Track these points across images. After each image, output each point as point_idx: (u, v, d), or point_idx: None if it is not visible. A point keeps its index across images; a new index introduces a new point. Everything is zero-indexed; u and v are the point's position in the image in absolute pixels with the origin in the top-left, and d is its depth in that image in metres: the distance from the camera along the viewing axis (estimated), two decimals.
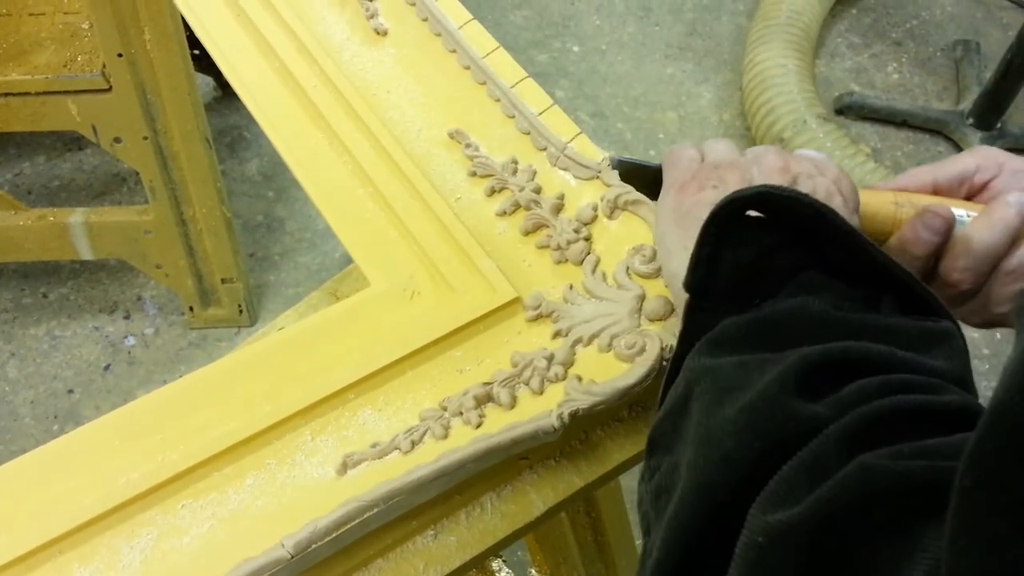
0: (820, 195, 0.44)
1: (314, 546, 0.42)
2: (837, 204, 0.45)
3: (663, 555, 0.33)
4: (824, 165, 0.47)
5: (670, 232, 0.46)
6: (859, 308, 0.38)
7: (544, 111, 0.63)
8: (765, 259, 0.39)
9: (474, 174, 0.61)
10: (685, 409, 0.37)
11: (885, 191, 0.50)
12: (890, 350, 0.35)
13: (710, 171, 0.47)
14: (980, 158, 0.50)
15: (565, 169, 0.61)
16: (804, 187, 0.45)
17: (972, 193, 0.50)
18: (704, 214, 0.42)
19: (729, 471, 0.32)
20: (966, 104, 1.81)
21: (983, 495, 0.22)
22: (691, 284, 0.40)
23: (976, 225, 0.46)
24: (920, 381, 0.34)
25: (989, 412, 0.23)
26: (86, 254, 1.40)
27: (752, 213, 0.40)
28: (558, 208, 0.58)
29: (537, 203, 0.58)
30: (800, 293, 0.39)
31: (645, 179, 0.57)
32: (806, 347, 0.35)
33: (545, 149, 0.62)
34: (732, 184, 0.46)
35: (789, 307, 0.38)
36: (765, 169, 0.46)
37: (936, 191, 0.50)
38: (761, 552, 0.29)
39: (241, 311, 1.51)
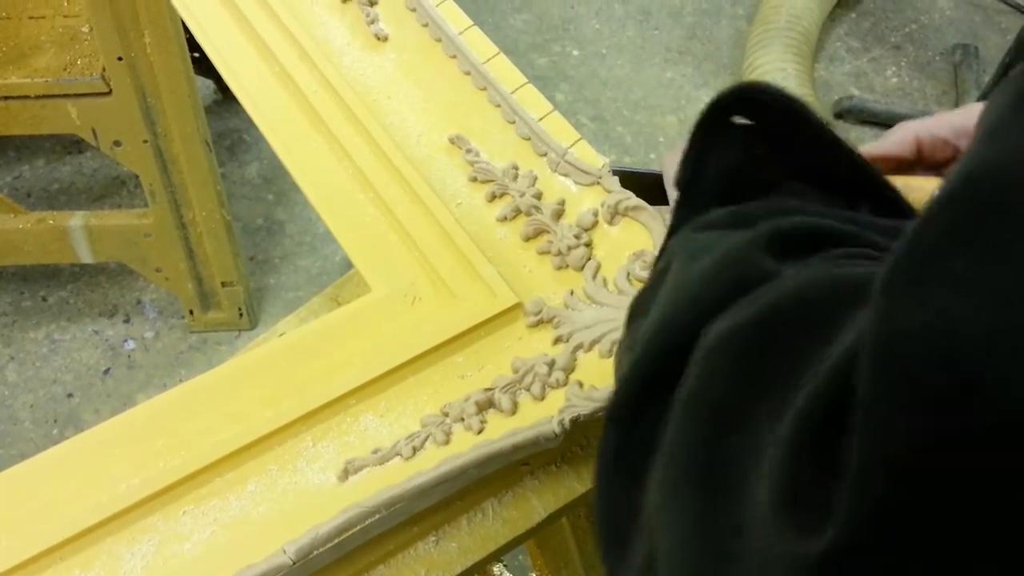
0: None
1: (316, 552, 0.42)
2: None
3: (623, 390, 0.34)
4: None
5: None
6: (835, 213, 0.38)
7: (544, 117, 0.63)
8: (749, 166, 0.40)
9: (475, 179, 0.61)
10: (663, 278, 0.38)
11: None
12: (859, 229, 0.35)
13: None
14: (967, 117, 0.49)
15: (566, 175, 0.61)
16: None
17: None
18: None
19: (694, 310, 0.32)
20: None
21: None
22: (679, 181, 0.41)
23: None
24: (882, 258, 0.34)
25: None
26: (86, 257, 1.40)
27: (740, 121, 0.41)
28: (559, 214, 0.58)
29: (538, 209, 0.58)
30: (787, 197, 0.39)
31: (642, 187, 0.58)
32: (780, 218, 0.35)
33: (546, 155, 0.62)
34: None
35: (771, 201, 0.39)
36: None
37: (920, 148, 0.50)
38: (703, 356, 0.30)
39: (241, 314, 1.51)
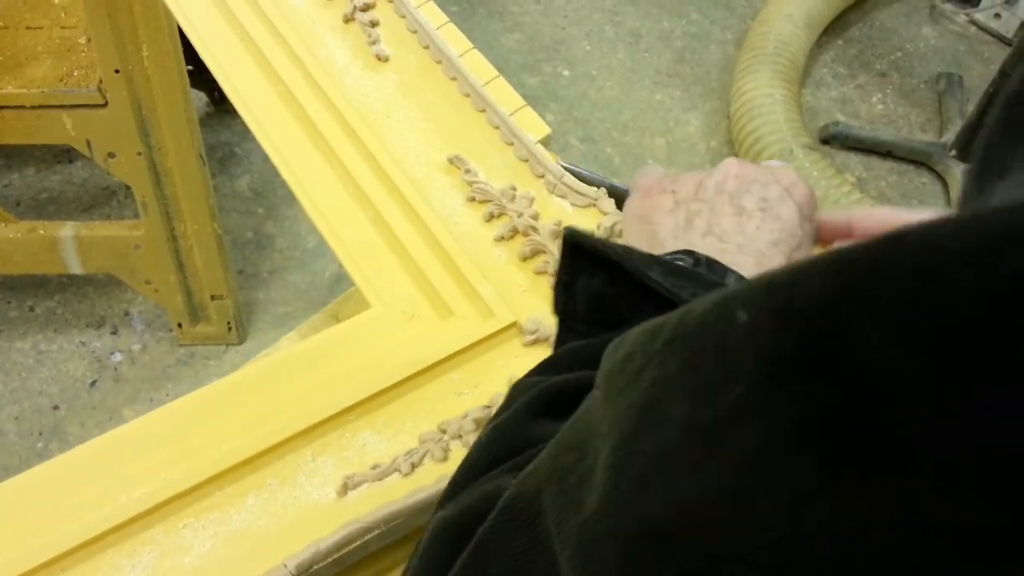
0: (771, 200, 0.47)
1: (316, 567, 0.43)
2: (786, 210, 0.47)
3: (415, 546, 0.36)
4: (781, 172, 0.50)
5: (630, 234, 0.50)
6: None
7: (542, 139, 0.64)
8: (612, 289, 0.41)
9: (473, 199, 0.62)
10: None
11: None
12: None
13: (670, 180, 0.51)
14: None
15: (563, 196, 0.62)
16: (755, 193, 0.48)
17: None
18: (658, 219, 0.47)
19: (467, 475, 0.36)
20: (949, 136, 1.85)
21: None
22: (555, 308, 0.43)
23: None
24: None
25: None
26: (75, 268, 1.39)
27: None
28: (555, 235, 0.59)
29: (535, 229, 0.60)
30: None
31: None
32: (572, 374, 0.37)
33: (543, 176, 0.63)
34: (685, 190, 0.49)
35: (609, 338, 0.40)
36: (719, 177, 0.49)
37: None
38: (423, 542, 0.33)
39: (230, 328, 1.51)
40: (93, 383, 1.49)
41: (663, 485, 0.21)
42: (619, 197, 0.62)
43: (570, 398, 0.35)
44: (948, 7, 2.17)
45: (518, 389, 0.39)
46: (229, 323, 1.50)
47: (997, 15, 2.10)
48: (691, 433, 0.21)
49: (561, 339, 0.42)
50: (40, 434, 1.43)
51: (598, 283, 0.41)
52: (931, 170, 1.86)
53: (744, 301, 0.21)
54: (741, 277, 0.43)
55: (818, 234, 0.49)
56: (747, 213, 0.47)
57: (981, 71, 2.03)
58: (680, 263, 0.43)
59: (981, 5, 2.11)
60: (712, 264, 0.43)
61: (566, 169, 0.63)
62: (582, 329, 0.41)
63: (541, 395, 0.37)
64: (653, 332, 0.25)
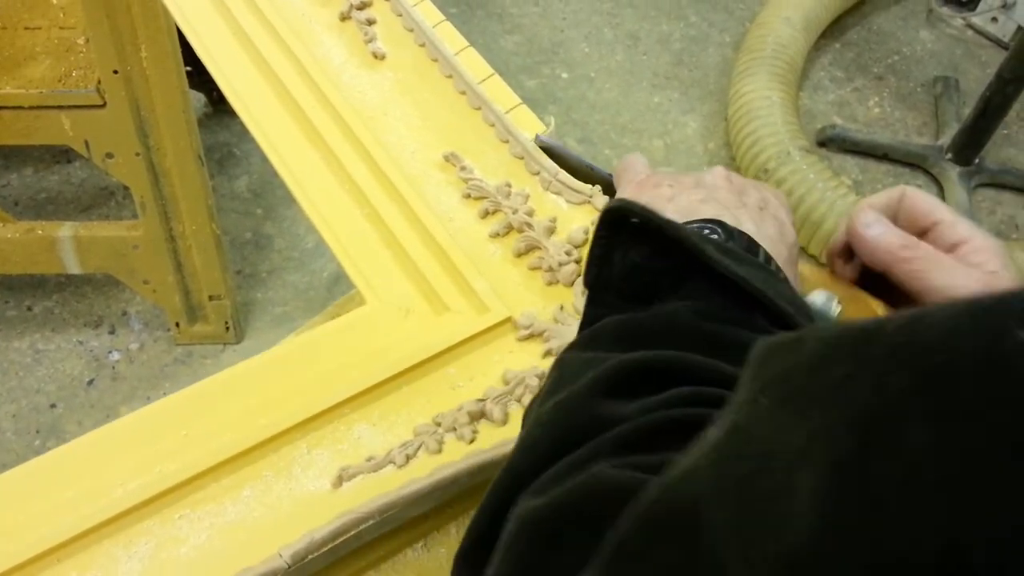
0: (769, 202, 0.48)
1: (311, 557, 0.43)
2: (782, 213, 0.48)
3: (470, 529, 0.35)
4: (763, 186, 0.50)
5: None
6: (725, 320, 0.39)
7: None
8: (653, 263, 0.41)
9: (468, 196, 0.63)
10: (539, 395, 0.39)
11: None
12: (716, 363, 0.36)
13: (665, 174, 0.51)
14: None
15: (557, 193, 0.62)
16: (752, 195, 0.48)
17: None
18: (663, 206, 0.46)
19: (532, 455, 0.34)
20: (945, 139, 1.85)
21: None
22: (587, 280, 0.42)
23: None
24: (729, 398, 0.35)
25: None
26: (74, 268, 1.40)
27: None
28: (550, 231, 0.60)
29: (530, 226, 0.60)
30: (686, 298, 0.40)
31: (568, 168, 0.63)
32: (638, 352, 0.36)
33: (538, 174, 0.63)
34: (686, 185, 0.49)
35: (659, 312, 0.39)
36: (713, 178, 0.49)
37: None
38: (510, 535, 0.31)
39: (228, 328, 1.51)
40: (91, 382, 1.50)
41: (907, 515, 0.19)
42: (596, 180, 0.62)
43: (641, 377, 0.35)
44: (945, 11, 2.17)
45: (567, 365, 0.38)
46: (227, 323, 1.51)
47: (994, 19, 2.10)
48: (944, 463, 0.19)
49: (591, 312, 0.42)
50: (37, 432, 1.44)
51: (637, 256, 0.40)
52: (927, 173, 1.86)
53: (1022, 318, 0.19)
54: (769, 256, 0.43)
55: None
56: (749, 207, 0.47)
57: (978, 75, 2.04)
58: (712, 235, 0.43)
59: (978, 9, 2.12)
60: (741, 236, 0.43)
61: (543, 145, 0.63)
62: (612, 301, 0.41)
63: (608, 374, 0.35)
64: (862, 336, 0.23)
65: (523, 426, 0.39)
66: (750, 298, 0.39)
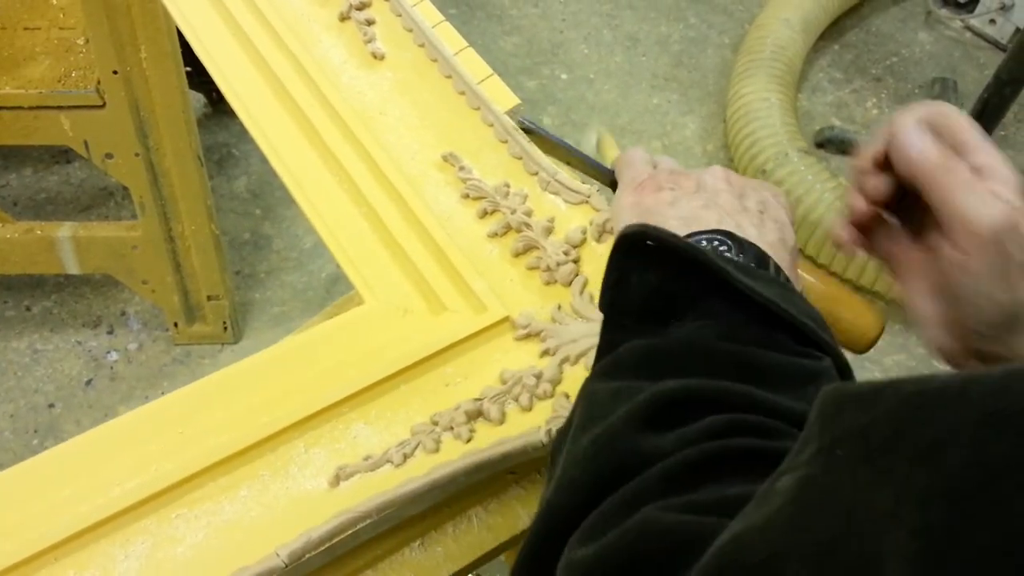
0: (768, 203, 0.48)
1: (308, 556, 0.43)
2: (782, 215, 0.47)
3: (520, 556, 0.34)
4: (762, 185, 0.50)
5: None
6: (748, 340, 0.38)
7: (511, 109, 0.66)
8: (670, 284, 0.40)
9: (467, 196, 0.63)
10: (569, 428, 0.39)
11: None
12: (748, 389, 0.35)
13: (666, 176, 0.50)
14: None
15: (556, 193, 0.62)
16: (752, 197, 0.48)
17: None
18: (664, 212, 0.46)
19: (572, 495, 0.34)
20: None
21: None
22: (602, 305, 0.42)
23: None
24: (768, 424, 0.34)
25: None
26: (73, 268, 1.40)
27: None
28: (548, 231, 0.60)
29: (528, 225, 0.60)
30: (703, 319, 0.39)
31: (550, 151, 0.64)
32: (669, 381, 0.36)
33: (536, 174, 0.63)
34: (687, 188, 0.48)
35: (680, 336, 0.39)
36: (712, 179, 0.49)
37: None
38: None
39: (226, 328, 1.51)
40: (89, 382, 1.49)
41: None
42: (576, 161, 0.63)
43: (676, 408, 0.35)
44: (944, 13, 2.18)
45: (595, 397, 0.38)
46: (225, 323, 1.51)
47: (992, 21, 2.11)
48: None
49: (609, 337, 0.42)
50: (35, 432, 1.43)
51: (654, 278, 0.40)
52: None
53: None
54: (778, 267, 0.43)
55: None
56: (750, 212, 0.47)
57: (976, 76, 2.04)
58: (723, 248, 0.43)
59: (976, 11, 2.12)
60: (751, 248, 0.43)
61: (525, 127, 0.64)
62: (630, 325, 0.41)
63: (642, 406, 0.35)
64: (945, 398, 0.22)
65: (554, 463, 0.39)
66: (769, 314, 0.39)
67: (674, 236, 0.40)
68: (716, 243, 0.43)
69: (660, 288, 0.40)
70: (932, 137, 0.43)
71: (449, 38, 0.70)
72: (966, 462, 0.20)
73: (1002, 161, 0.43)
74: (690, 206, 0.47)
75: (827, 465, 0.24)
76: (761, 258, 0.43)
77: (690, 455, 0.32)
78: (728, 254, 0.43)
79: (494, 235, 0.61)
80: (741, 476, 0.32)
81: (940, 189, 0.41)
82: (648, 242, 0.40)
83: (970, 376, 0.22)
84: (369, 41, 0.71)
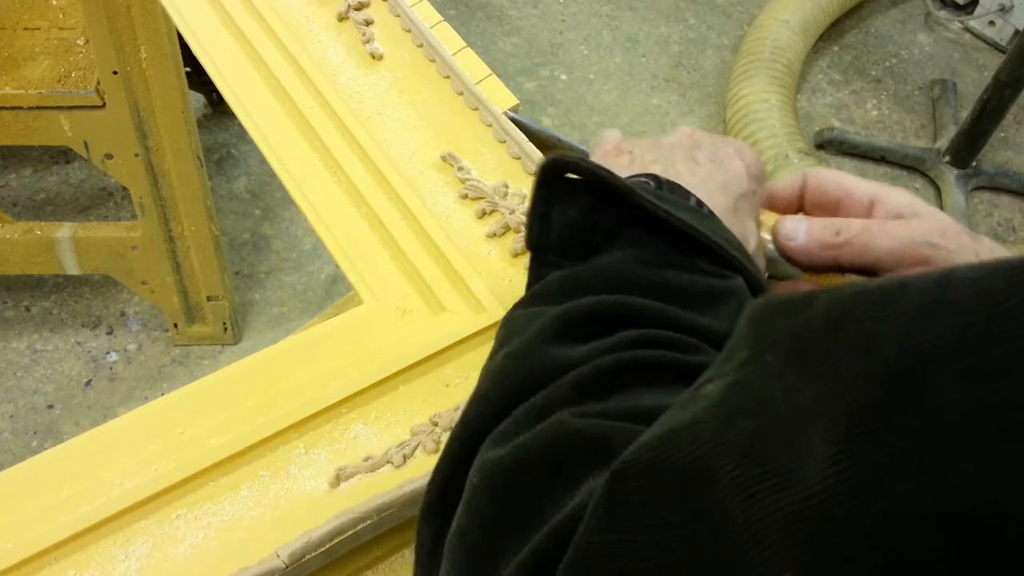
0: (722, 156, 0.48)
1: (308, 556, 0.43)
2: (735, 166, 0.47)
3: (431, 485, 0.35)
4: (732, 140, 0.50)
5: None
6: (665, 264, 0.39)
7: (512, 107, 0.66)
8: (591, 216, 0.41)
9: (465, 196, 0.63)
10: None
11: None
12: (660, 306, 0.36)
13: (629, 143, 0.51)
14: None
15: None
16: (706, 150, 0.48)
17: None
18: (621, 173, 0.45)
19: (486, 406, 0.34)
20: (942, 142, 1.86)
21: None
22: (528, 241, 0.42)
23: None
24: (677, 339, 0.35)
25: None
26: (72, 269, 1.40)
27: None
28: None
29: None
30: (626, 248, 0.40)
31: (538, 143, 0.65)
32: (579, 299, 0.37)
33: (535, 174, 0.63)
34: (640, 153, 0.49)
35: (601, 264, 0.40)
36: (674, 138, 0.49)
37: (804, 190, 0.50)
38: (474, 486, 0.31)
39: (226, 329, 1.51)
40: (88, 383, 1.50)
41: (930, 467, 0.19)
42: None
43: (589, 322, 0.35)
44: (943, 14, 2.18)
45: (514, 322, 0.39)
46: (225, 323, 1.51)
47: (991, 23, 2.11)
48: (979, 419, 0.19)
49: (536, 272, 0.42)
50: (35, 433, 1.44)
51: (575, 211, 0.41)
52: (924, 175, 1.87)
53: None
54: (701, 201, 0.43)
55: (768, 202, 0.50)
56: (699, 163, 0.47)
57: (975, 78, 2.04)
58: (645, 185, 0.43)
59: (976, 13, 2.12)
60: (674, 187, 0.43)
61: (513, 119, 0.64)
62: (554, 260, 0.41)
63: (556, 321, 0.36)
64: (883, 296, 0.23)
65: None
66: (690, 242, 0.39)
67: (589, 163, 0.40)
68: (642, 180, 0.44)
69: (582, 221, 0.41)
70: (810, 225, 0.45)
71: (447, 38, 0.70)
72: (901, 349, 0.21)
73: (879, 185, 0.46)
74: (642, 161, 0.48)
75: (756, 370, 0.25)
76: (683, 193, 0.43)
77: (603, 364, 0.33)
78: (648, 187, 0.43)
79: (493, 235, 0.61)
80: (655, 387, 0.33)
81: (854, 256, 0.44)
82: (567, 175, 0.40)
83: (906, 278, 0.23)
84: (367, 41, 0.71)
